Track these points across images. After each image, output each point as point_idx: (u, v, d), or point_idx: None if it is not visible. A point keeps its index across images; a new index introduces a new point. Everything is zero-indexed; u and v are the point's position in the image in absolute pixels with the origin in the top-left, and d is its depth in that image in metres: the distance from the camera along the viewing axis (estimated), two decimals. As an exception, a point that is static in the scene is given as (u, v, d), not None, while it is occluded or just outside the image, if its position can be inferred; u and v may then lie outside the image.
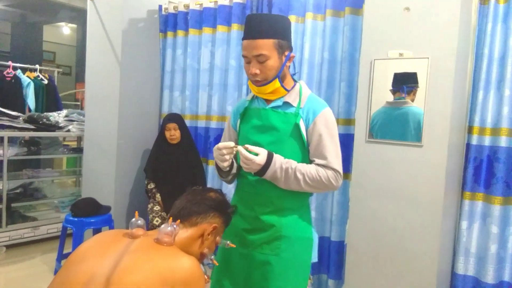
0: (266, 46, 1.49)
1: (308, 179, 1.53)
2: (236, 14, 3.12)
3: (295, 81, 1.66)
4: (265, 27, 1.49)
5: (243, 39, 1.54)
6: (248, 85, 1.62)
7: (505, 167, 2.15)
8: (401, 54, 2.16)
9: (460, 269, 2.25)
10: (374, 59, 2.23)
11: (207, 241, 1.40)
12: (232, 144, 1.56)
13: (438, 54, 2.05)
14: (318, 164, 1.56)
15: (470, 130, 2.26)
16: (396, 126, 2.18)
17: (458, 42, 2.02)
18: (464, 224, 2.24)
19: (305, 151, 1.59)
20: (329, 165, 1.55)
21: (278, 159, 1.53)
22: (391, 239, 2.20)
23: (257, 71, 1.51)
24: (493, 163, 2.19)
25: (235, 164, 1.66)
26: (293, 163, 1.54)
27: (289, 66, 1.63)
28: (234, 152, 1.55)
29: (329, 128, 1.58)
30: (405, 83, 2.15)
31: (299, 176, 1.52)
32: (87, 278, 1.15)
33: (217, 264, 1.61)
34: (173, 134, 3.08)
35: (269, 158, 1.52)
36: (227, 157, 1.55)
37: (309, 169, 1.54)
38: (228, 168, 1.61)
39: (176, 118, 3.15)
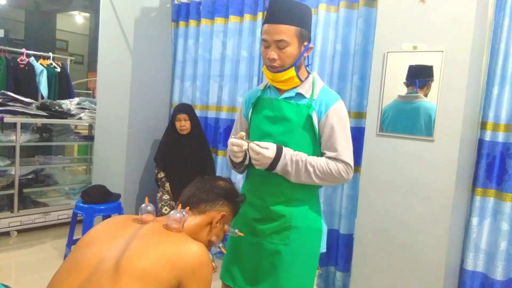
0: (289, 32, 1.48)
1: (319, 172, 1.53)
2: (249, 4, 3.10)
3: (308, 72, 1.65)
4: (289, 13, 1.48)
5: (265, 22, 1.52)
6: (262, 71, 1.61)
7: (518, 164, 2.12)
8: (415, 47, 2.13)
9: (469, 265, 2.24)
10: (387, 52, 2.21)
11: (215, 229, 1.41)
12: (245, 145, 1.53)
13: (453, 48, 2.02)
14: (329, 157, 1.55)
15: (483, 125, 2.22)
16: (407, 120, 2.15)
17: (474, 35, 1.99)
18: (474, 221, 2.22)
19: (317, 143, 1.59)
20: (340, 157, 1.54)
21: (287, 151, 1.53)
22: (400, 233, 2.19)
23: (275, 56, 1.50)
24: (506, 159, 2.16)
25: (248, 156, 1.66)
26: (303, 156, 1.53)
27: (305, 57, 1.62)
28: (244, 149, 1.55)
29: (342, 121, 1.57)
30: (418, 77, 2.12)
31: (310, 168, 1.52)
32: (97, 261, 1.16)
33: (224, 252, 1.62)
34: (183, 125, 3.09)
35: (279, 151, 1.51)
36: (239, 154, 1.55)
37: (319, 162, 1.54)
38: (241, 159, 1.61)
39: (186, 109, 3.15)
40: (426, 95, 2.10)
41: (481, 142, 2.23)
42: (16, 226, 3.58)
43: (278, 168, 1.52)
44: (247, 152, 1.57)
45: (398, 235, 2.19)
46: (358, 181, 2.45)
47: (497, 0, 2.17)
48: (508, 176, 2.15)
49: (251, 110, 1.69)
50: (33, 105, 3.75)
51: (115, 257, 1.16)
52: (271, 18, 1.50)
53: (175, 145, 3.14)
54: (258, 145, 1.51)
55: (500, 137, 2.16)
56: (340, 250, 2.71)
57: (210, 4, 3.35)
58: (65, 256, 3.14)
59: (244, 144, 1.53)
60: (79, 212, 3.04)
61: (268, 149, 1.50)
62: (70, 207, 3.81)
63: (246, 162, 1.65)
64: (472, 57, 2.00)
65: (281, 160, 1.51)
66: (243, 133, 1.56)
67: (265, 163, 1.51)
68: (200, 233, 1.37)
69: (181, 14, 3.55)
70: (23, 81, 4.72)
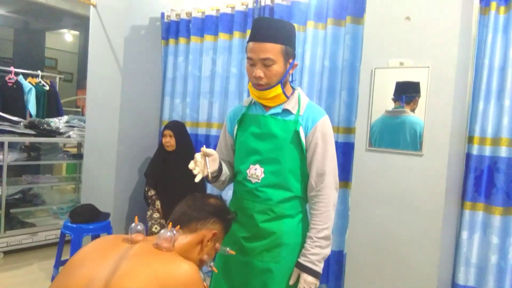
0: (274, 50, 1.49)
1: (324, 225, 1.56)
2: (238, 22, 3.14)
3: (293, 88, 1.66)
4: (274, 31, 1.49)
5: (250, 41, 1.52)
6: (248, 89, 1.62)
7: (505, 177, 2.15)
8: (401, 63, 2.17)
9: (461, 280, 2.24)
10: (375, 68, 2.24)
11: (207, 248, 1.39)
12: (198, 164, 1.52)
13: (439, 64, 2.06)
14: (314, 194, 1.57)
15: (470, 140, 2.26)
16: (395, 135, 2.18)
17: (459, 52, 2.04)
18: (464, 234, 2.23)
19: (304, 158, 1.59)
20: (324, 181, 1.56)
21: (302, 260, 1.55)
22: (391, 247, 2.19)
23: (262, 75, 1.51)
24: (494, 173, 2.19)
25: (223, 172, 1.65)
26: (308, 242, 1.56)
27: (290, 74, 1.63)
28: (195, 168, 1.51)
29: (327, 136, 1.58)
30: (405, 92, 2.16)
31: (321, 234, 1.55)
32: (86, 282, 1.14)
33: (216, 271, 1.60)
34: (168, 141, 3.08)
35: (304, 268, 1.54)
36: (195, 171, 1.50)
37: (317, 223, 1.56)
38: (214, 174, 1.58)
39: (172, 126, 3.14)
40: (413, 110, 2.13)
41: (468, 156, 2.26)
42: (2, 247, 3.50)
43: (320, 265, 1.55)
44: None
45: (390, 250, 2.19)
46: (348, 196, 2.45)
47: (480, 17, 2.23)
48: (496, 189, 2.17)
49: (236, 126, 1.69)
50: (21, 123, 3.72)
51: (104, 278, 1.13)
52: (256, 36, 1.51)
53: (163, 161, 3.13)
54: None
55: (487, 151, 2.19)
56: (330, 267, 2.69)
57: (200, 22, 3.39)
58: (53, 277, 3.07)
59: (198, 163, 1.51)
60: (67, 232, 2.99)
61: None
62: (58, 227, 3.75)
63: (222, 178, 1.65)
64: (457, 72, 2.04)
65: (316, 267, 1.54)
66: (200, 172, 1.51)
67: (316, 282, 1.55)
68: (191, 252, 1.35)
69: (170, 31, 3.58)
70: (11, 100, 4.69)
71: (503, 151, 2.14)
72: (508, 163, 2.14)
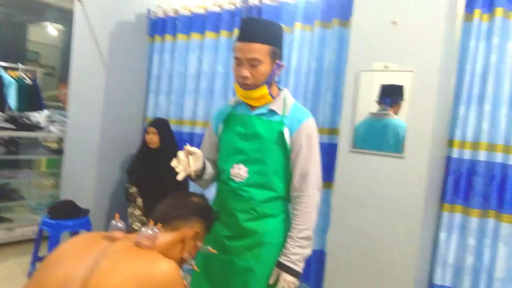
0: (261, 51, 1.49)
1: (307, 226, 1.58)
2: (226, 21, 3.13)
3: (279, 88, 1.67)
4: (262, 32, 1.50)
5: (238, 40, 1.53)
6: (235, 88, 1.62)
7: (483, 180, 2.19)
8: (386, 67, 2.19)
9: (438, 280, 2.28)
10: (360, 71, 2.27)
11: (188, 246, 1.38)
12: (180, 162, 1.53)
13: (422, 68, 2.09)
14: (297, 189, 1.58)
15: (451, 143, 2.30)
16: (378, 137, 2.21)
17: (442, 57, 2.07)
18: (442, 235, 2.27)
19: (288, 159, 1.60)
20: (307, 182, 1.57)
21: (283, 259, 1.56)
22: (371, 248, 2.21)
23: (248, 74, 1.51)
24: (472, 176, 2.23)
25: (207, 171, 1.64)
26: (289, 242, 1.57)
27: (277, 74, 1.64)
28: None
29: (311, 138, 1.59)
30: (389, 95, 2.18)
31: (302, 235, 1.56)
32: (64, 280, 1.12)
33: (197, 270, 1.60)
34: (151, 138, 3.05)
35: (284, 267, 1.55)
36: (178, 169, 1.51)
37: (298, 223, 1.57)
38: (198, 173, 1.59)
39: (157, 123, 3.12)
40: (396, 113, 2.16)
41: (449, 159, 2.30)
42: (-23, 243, 3.42)
43: (300, 265, 1.57)
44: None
45: (370, 251, 2.21)
46: (330, 197, 2.47)
47: (464, 24, 2.27)
48: (474, 192, 2.21)
49: (221, 126, 1.69)
50: (0, 117, 3.63)
51: (83, 276, 1.12)
52: (244, 36, 1.51)
53: (145, 158, 3.10)
54: None
55: (467, 154, 2.23)
56: (311, 266, 2.71)
57: (187, 19, 3.36)
58: (30, 274, 3.01)
59: (181, 161, 1.52)
60: (45, 228, 2.93)
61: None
62: (36, 223, 3.66)
63: (206, 177, 1.64)
64: (440, 77, 2.08)
65: (296, 266, 1.55)
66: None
67: (296, 282, 1.56)
68: (172, 251, 1.34)
69: (157, 28, 3.55)
70: (-10, 93, 4.57)
71: (482, 155, 2.19)
72: (487, 166, 2.19)
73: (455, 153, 2.26)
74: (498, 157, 2.15)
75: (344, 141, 2.32)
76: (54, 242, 2.82)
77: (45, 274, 1.16)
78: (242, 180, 1.58)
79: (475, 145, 2.22)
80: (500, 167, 2.15)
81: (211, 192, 2.75)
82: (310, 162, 1.57)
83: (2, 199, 3.88)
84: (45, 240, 3.04)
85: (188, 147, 1.53)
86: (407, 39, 2.14)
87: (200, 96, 3.25)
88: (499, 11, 2.15)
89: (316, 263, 2.69)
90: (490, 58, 2.18)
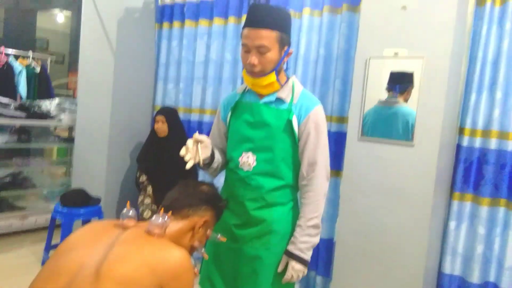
0: (270, 37, 1.47)
1: (316, 215, 1.56)
2: (234, 6, 3.11)
3: (287, 76, 1.66)
4: (270, 18, 1.47)
5: (245, 26, 1.51)
6: (242, 76, 1.61)
7: (493, 169, 2.17)
8: (396, 53, 2.16)
9: (447, 269, 2.28)
10: (370, 57, 2.24)
11: (198, 234, 1.40)
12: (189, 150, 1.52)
13: (433, 54, 2.06)
14: (305, 184, 1.58)
15: (461, 131, 2.27)
16: (387, 125, 2.19)
17: (453, 43, 2.04)
18: (452, 224, 2.27)
19: (296, 147, 1.59)
20: (315, 170, 1.56)
21: (296, 248, 1.56)
22: (380, 236, 2.21)
23: (256, 62, 1.49)
24: (483, 164, 2.21)
25: (215, 159, 1.64)
26: (297, 230, 1.57)
27: (285, 62, 1.62)
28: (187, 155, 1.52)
29: (319, 126, 1.58)
30: (399, 82, 2.16)
31: (310, 225, 1.56)
32: (77, 268, 1.14)
33: (207, 257, 1.62)
34: (160, 127, 3.07)
35: (292, 256, 1.55)
36: (186, 157, 1.51)
37: (307, 211, 1.57)
38: (206, 161, 1.59)
39: (165, 111, 3.13)
40: (406, 101, 2.14)
41: (459, 147, 2.28)
42: (-8, 230, 3.49)
43: (308, 253, 1.57)
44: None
45: (379, 239, 2.22)
46: (339, 185, 2.47)
47: (476, 9, 2.23)
48: (484, 181, 2.20)
49: (229, 114, 1.69)
50: (12, 106, 3.67)
51: (95, 263, 1.14)
52: (252, 22, 1.49)
53: (154, 147, 3.12)
54: None
55: (477, 142, 2.21)
56: (320, 254, 2.73)
57: (195, 5, 3.34)
58: (43, 261, 3.07)
59: (189, 149, 1.51)
60: (57, 216, 2.98)
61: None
62: (49, 211, 3.71)
63: (214, 165, 1.65)
64: (451, 64, 2.05)
65: (303, 255, 1.55)
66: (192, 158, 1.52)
67: (304, 270, 1.56)
68: (183, 239, 1.36)
69: (165, 15, 3.53)
70: (1, 81, 4.61)
71: (492, 143, 2.16)
72: (497, 155, 2.16)
73: (465, 141, 2.24)
74: (510, 145, 2.13)
75: (353, 128, 2.31)
76: (66, 230, 2.87)
77: (58, 262, 1.18)
78: (250, 169, 1.58)
79: (486, 133, 2.19)
80: (511, 155, 2.12)
81: (220, 180, 2.76)
82: (318, 151, 1.56)
83: (15, 187, 3.94)
84: (58, 228, 3.10)
85: (196, 135, 1.53)
86: (417, 24, 2.11)
87: (208, 84, 3.24)
88: (513, -5, 2.11)
89: (324, 251, 2.70)
90: (503, 44, 2.14)
